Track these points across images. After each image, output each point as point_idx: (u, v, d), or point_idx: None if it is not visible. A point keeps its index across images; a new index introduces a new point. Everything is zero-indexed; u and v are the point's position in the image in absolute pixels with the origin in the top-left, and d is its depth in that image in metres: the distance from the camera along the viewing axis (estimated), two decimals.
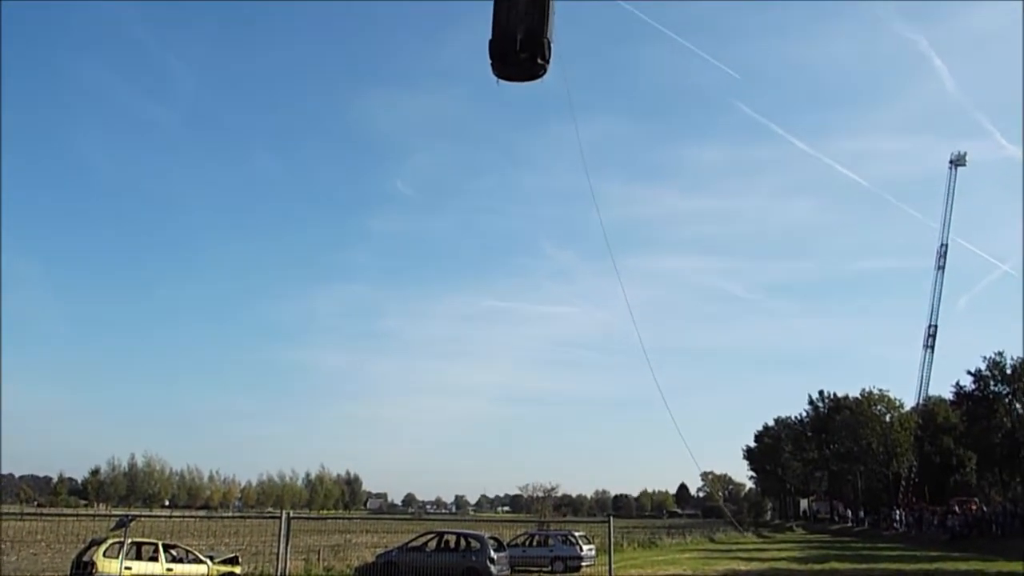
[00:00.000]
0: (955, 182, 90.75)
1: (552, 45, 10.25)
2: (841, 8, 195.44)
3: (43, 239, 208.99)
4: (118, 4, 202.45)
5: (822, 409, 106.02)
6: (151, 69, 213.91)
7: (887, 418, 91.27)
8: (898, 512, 77.67)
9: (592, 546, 34.27)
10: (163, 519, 42.83)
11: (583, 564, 32.49)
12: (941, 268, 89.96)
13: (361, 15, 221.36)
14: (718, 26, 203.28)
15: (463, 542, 27.87)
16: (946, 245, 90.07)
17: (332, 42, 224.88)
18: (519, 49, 10.16)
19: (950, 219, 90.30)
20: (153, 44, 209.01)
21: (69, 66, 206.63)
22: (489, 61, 10.48)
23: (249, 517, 60.06)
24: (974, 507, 66.58)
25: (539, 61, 10.33)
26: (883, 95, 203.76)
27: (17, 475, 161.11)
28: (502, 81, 10.51)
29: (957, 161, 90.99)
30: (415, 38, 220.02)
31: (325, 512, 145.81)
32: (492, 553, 26.64)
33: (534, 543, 34.39)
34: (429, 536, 29.03)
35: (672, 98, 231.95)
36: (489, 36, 10.28)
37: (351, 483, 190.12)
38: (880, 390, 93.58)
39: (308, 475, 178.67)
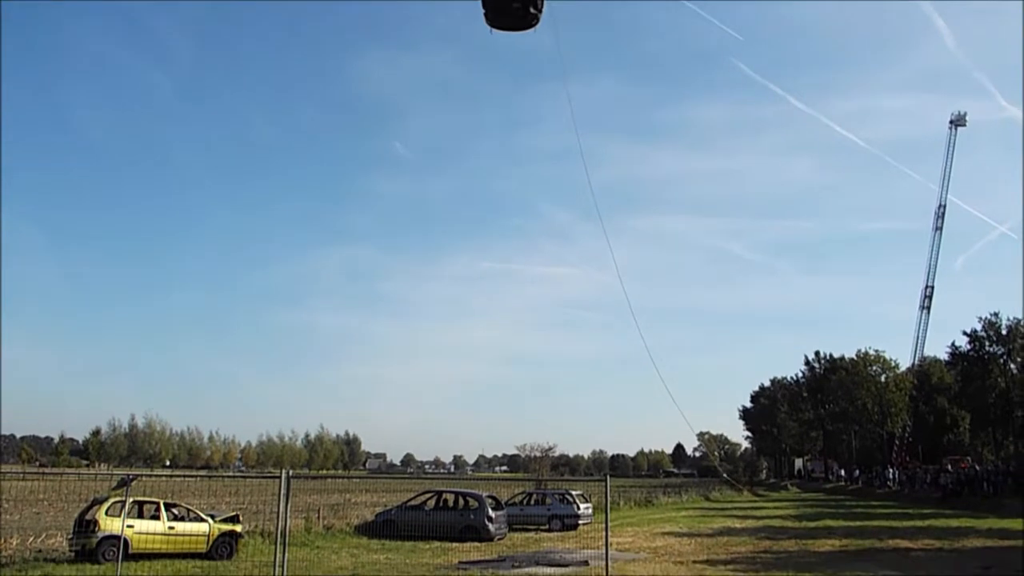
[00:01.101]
0: (955, 142, 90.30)
1: None
2: None
3: (43, 205, 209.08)
4: None
5: (818, 370, 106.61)
6: (147, 36, 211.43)
7: (882, 378, 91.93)
8: (892, 470, 78.55)
9: (589, 505, 34.71)
10: (164, 478, 43.30)
11: (580, 522, 32.88)
12: (939, 229, 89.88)
13: None
14: None
15: (461, 501, 28.20)
16: (944, 206, 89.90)
17: (328, 5, 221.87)
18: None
19: (949, 180, 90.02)
20: (149, 11, 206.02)
21: (66, 32, 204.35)
22: (483, 11, 10.44)
23: (249, 476, 60.68)
24: (966, 465, 67.33)
25: (531, 10, 10.29)
26: (884, 55, 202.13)
27: (19, 436, 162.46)
28: (495, 31, 10.46)
29: (957, 121, 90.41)
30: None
31: (325, 471, 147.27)
32: (490, 512, 26.97)
33: (532, 502, 34.80)
34: (428, 495, 29.36)
35: (673, 58, 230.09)
36: None
37: (350, 443, 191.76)
38: (876, 351, 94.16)
39: (308, 435, 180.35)
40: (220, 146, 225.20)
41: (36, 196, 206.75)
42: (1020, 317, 74.47)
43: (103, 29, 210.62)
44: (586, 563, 20.37)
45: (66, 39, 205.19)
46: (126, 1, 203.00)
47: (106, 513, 18.88)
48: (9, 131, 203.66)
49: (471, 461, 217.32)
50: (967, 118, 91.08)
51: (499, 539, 26.64)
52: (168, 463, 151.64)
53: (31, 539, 21.03)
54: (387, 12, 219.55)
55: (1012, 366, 75.79)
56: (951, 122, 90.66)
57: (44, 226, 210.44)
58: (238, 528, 21.34)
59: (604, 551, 15.90)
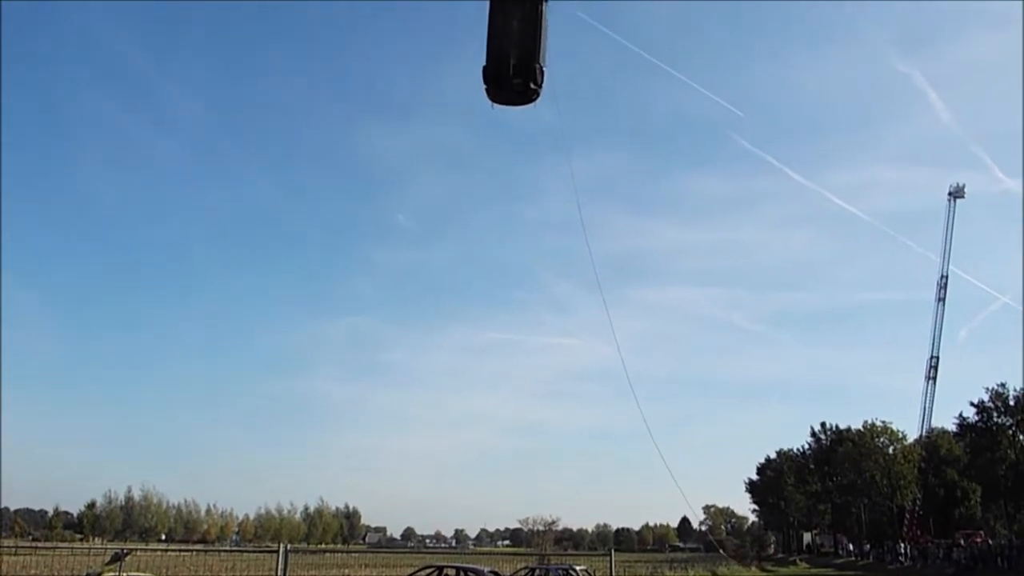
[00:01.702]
0: (954, 214, 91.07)
1: (545, 70, 10.46)
2: (837, 41, 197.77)
3: (41, 270, 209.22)
4: (120, 37, 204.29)
5: (824, 441, 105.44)
6: (154, 99, 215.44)
7: (890, 450, 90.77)
8: (903, 545, 76.90)
9: None
10: (159, 553, 42.38)
11: None
12: (942, 300, 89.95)
13: (358, 48, 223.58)
14: (715, 60, 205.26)
15: None
16: (946, 277, 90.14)
17: (331, 75, 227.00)
18: (512, 75, 10.37)
19: (950, 251, 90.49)
20: (156, 76, 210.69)
21: (73, 98, 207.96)
22: (484, 86, 10.67)
23: (246, 551, 59.49)
24: (979, 540, 65.97)
25: (531, 86, 10.54)
26: (880, 127, 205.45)
27: (12, 509, 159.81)
28: (497, 105, 10.69)
29: (956, 193, 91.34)
30: (412, 70, 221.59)
31: (324, 546, 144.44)
32: None
33: None
34: (428, 570, 28.65)
35: (671, 130, 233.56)
36: (483, 62, 10.48)
37: (350, 517, 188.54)
38: (883, 422, 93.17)
39: (307, 508, 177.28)
40: (223, 212, 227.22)
41: (34, 262, 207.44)
42: None
43: (109, 93, 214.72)
44: None
45: (73, 103, 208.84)
46: (132, 67, 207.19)
47: None
48: (9, 194, 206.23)
49: (473, 535, 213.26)
50: (965, 189, 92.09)
51: None
52: (164, 537, 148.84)
53: None
54: (393, 81, 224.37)
55: (1021, 437, 74.94)
56: (950, 194, 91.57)
57: (42, 292, 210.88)
58: None
59: None
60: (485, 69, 10.50)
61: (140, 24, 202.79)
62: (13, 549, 54.49)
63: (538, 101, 10.72)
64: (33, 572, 35.24)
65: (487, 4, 10.91)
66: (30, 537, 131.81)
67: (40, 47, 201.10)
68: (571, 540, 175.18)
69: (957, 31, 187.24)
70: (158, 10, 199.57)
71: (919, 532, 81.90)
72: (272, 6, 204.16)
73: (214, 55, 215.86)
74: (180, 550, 55.51)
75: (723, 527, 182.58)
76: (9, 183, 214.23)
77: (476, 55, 10.57)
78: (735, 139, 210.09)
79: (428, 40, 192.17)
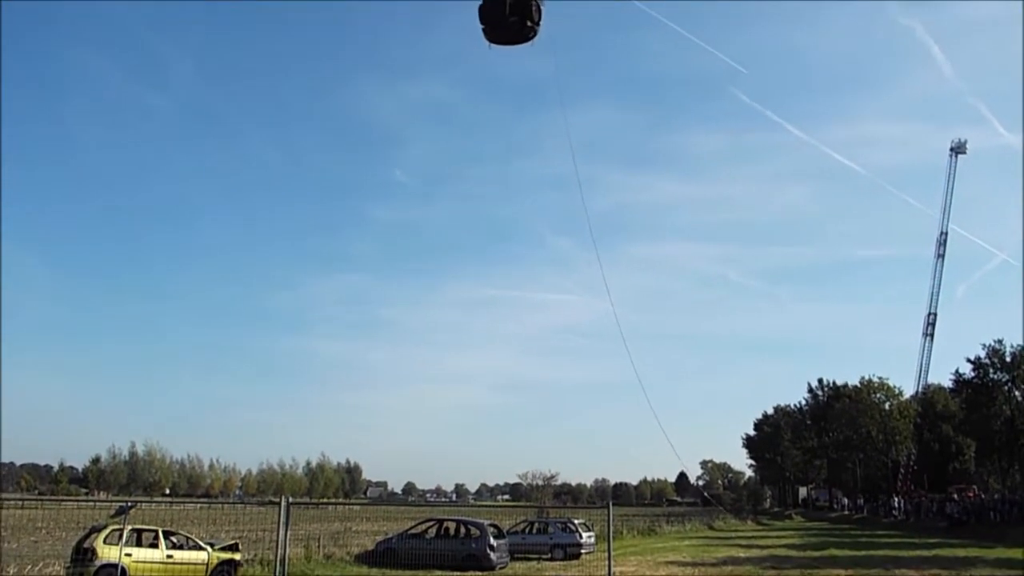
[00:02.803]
0: (955, 170, 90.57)
1: (542, 8, 10.33)
2: None
3: (41, 230, 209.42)
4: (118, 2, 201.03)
5: (821, 397, 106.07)
6: (149, 60, 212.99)
7: (886, 406, 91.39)
8: (897, 499, 77.84)
9: (592, 533, 34.39)
10: (163, 506, 43.00)
11: (582, 551, 32.60)
12: (941, 256, 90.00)
13: (355, 6, 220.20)
14: (715, 12, 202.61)
15: (463, 529, 27.96)
16: (946, 233, 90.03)
17: (328, 32, 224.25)
18: (508, 12, 10.24)
19: (950, 207, 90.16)
20: (151, 36, 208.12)
21: (68, 57, 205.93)
22: (480, 27, 10.55)
23: (249, 504, 60.23)
24: (972, 495, 66.78)
25: (528, 24, 10.41)
26: (880, 82, 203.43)
27: (18, 463, 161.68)
28: (494, 45, 10.59)
29: (957, 149, 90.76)
30: (409, 28, 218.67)
31: (325, 499, 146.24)
32: (492, 540, 26.73)
33: (534, 530, 34.50)
34: (429, 523, 29.11)
35: (669, 85, 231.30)
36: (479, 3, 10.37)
37: (351, 471, 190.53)
38: (879, 378, 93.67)
39: (308, 463, 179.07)
40: (221, 171, 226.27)
41: (33, 222, 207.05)
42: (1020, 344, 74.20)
43: (104, 52, 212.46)
44: None
45: (68, 62, 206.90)
46: (128, 26, 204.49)
47: (104, 541, 18.72)
48: (8, 152, 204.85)
49: (473, 489, 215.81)
50: (967, 145, 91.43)
51: (501, 568, 26.40)
52: (168, 491, 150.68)
53: (28, 567, 20.84)
54: (388, 38, 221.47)
55: (1017, 393, 75.30)
56: (951, 149, 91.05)
57: (42, 252, 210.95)
58: (237, 556, 21.15)
59: None
60: (481, 9, 10.37)
61: None
62: (20, 503, 55.26)
63: (535, 40, 10.58)
64: (40, 525, 35.75)
65: None
66: (36, 491, 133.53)
67: (38, 9, 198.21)
68: (570, 494, 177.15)
69: None
70: None
71: (913, 487, 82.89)
72: None
73: (210, 16, 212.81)
74: (184, 502, 56.25)
75: (720, 482, 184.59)
76: (11, 147, 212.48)
77: (472, 10, 10.44)
78: (734, 94, 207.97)
79: None
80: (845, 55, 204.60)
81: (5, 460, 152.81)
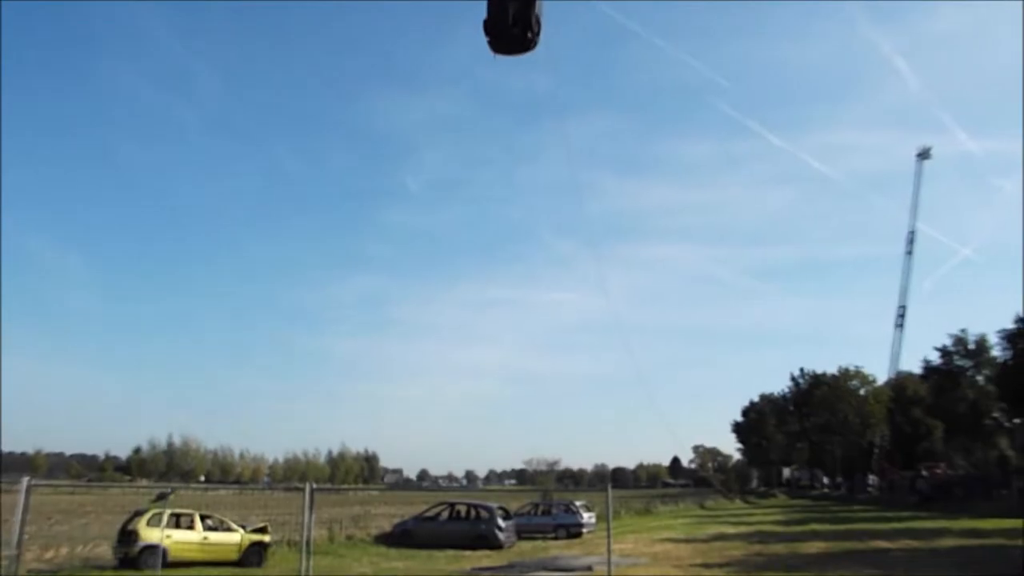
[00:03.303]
0: (921, 174, 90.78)
1: (541, 21, 10.71)
2: (815, 10, 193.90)
3: (83, 234, 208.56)
4: (145, 9, 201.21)
5: (803, 385, 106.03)
6: (178, 72, 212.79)
7: (862, 392, 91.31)
8: (872, 478, 77.71)
9: (592, 514, 34.45)
10: (199, 492, 43.12)
11: (584, 531, 32.67)
12: (909, 253, 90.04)
13: (370, 25, 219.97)
14: (701, 26, 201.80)
15: (473, 512, 28.04)
16: (913, 232, 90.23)
17: (344, 49, 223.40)
18: (511, 24, 10.62)
19: (917, 208, 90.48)
20: (180, 51, 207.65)
21: (101, 72, 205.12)
22: (486, 38, 10.93)
23: (276, 489, 60.38)
24: (941, 472, 66.65)
25: (528, 35, 10.78)
26: (854, 93, 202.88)
27: (67, 453, 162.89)
28: (499, 56, 10.96)
29: (923, 154, 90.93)
30: (420, 45, 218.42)
31: (346, 485, 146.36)
32: (500, 521, 26.81)
33: (538, 512, 34.54)
34: (442, 507, 29.18)
35: (659, 95, 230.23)
36: (484, 21, 10.77)
37: (369, 460, 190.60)
38: (856, 367, 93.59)
39: (330, 452, 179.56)
40: (247, 178, 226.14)
41: (76, 226, 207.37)
42: (984, 333, 74.25)
43: (135, 67, 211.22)
44: (590, 568, 20.20)
45: (101, 76, 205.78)
46: (158, 42, 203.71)
47: (146, 524, 18.86)
48: (52, 161, 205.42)
49: (482, 475, 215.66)
50: (932, 151, 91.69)
51: (508, 547, 26.45)
52: (203, 478, 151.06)
53: (79, 548, 21.00)
54: (401, 55, 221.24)
55: (979, 378, 75.32)
56: (918, 155, 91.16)
57: (85, 255, 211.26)
58: (266, 538, 21.26)
59: (607, 556, 15.82)
60: (486, 23, 10.79)
61: (169, 6, 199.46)
62: (71, 489, 55.61)
63: (535, 49, 10.96)
64: (88, 510, 35.93)
65: None
66: (85, 479, 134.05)
67: (79, 31, 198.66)
68: (572, 479, 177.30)
69: (926, 6, 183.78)
70: None
71: (887, 465, 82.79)
72: None
73: (236, 34, 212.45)
74: (217, 488, 56.38)
75: (710, 465, 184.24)
76: (51, 152, 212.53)
77: (477, 27, 10.75)
78: (719, 106, 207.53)
79: (435, 17, 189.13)
80: (821, 68, 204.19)
81: (55, 450, 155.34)
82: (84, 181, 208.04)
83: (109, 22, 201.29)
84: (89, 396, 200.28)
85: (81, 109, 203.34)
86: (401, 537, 26.72)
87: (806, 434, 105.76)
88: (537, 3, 10.92)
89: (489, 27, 10.82)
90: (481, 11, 11.38)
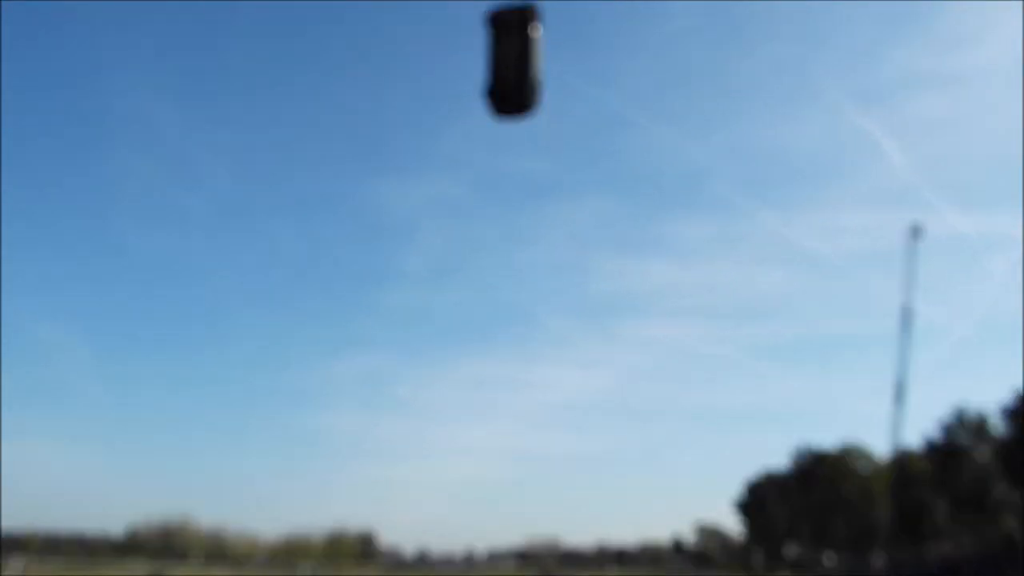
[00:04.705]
0: (914, 252, 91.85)
1: (541, 86, 11.08)
2: (805, 98, 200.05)
3: (91, 322, 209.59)
4: (157, 107, 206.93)
5: (804, 463, 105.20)
6: (185, 163, 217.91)
7: (863, 469, 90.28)
8: (877, 557, 76.00)
9: None
10: (194, 574, 42.09)
11: None
12: (905, 330, 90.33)
13: (370, 110, 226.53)
14: (697, 112, 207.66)
15: None
16: (908, 309, 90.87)
17: (345, 136, 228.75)
18: (512, 90, 11.01)
19: (910, 286, 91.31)
20: (189, 143, 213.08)
21: (111, 161, 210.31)
22: (487, 104, 11.32)
23: (273, 575, 58.97)
24: (948, 551, 65.28)
25: (529, 95, 11.22)
26: (844, 174, 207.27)
27: (62, 532, 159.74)
28: (501, 118, 11.30)
29: (915, 233, 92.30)
30: (419, 129, 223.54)
31: (342, 567, 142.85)
32: None
33: None
34: None
35: (657, 178, 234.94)
36: (485, 93, 11.20)
37: (367, 538, 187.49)
38: (856, 445, 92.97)
39: (327, 531, 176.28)
40: (250, 263, 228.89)
41: (75, 304, 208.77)
42: (984, 413, 74.02)
43: (145, 157, 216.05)
44: None
45: (111, 165, 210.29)
46: (166, 133, 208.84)
47: None
48: (54, 240, 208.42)
49: (481, 553, 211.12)
50: (923, 230, 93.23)
51: None
52: (197, 558, 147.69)
53: None
54: (400, 141, 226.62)
55: (981, 454, 74.64)
56: (909, 234, 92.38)
57: (90, 340, 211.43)
58: None
59: None
60: (487, 90, 11.16)
61: (173, 94, 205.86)
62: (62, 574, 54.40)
63: (535, 112, 11.34)
64: None
65: (486, 39, 11.57)
66: (81, 558, 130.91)
67: (90, 116, 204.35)
68: (572, 559, 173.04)
69: (912, 91, 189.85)
70: (189, 80, 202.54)
71: (891, 544, 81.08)
72: (289, 78, 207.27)
73: (238, 122, 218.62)
74: (212, 572, 55.04)
75: (712, 543, 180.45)
76: (60, 239, 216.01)
77: (477, 113, 11.20)
78: (714, 187, 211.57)
79: (434, 101, 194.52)
80: (814, 151, 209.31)
81: (49, 526, 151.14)
82: (82, 255, 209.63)
83: (121, 110, 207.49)
84: (86, 475, 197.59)
85: (88, 192, 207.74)
86: None
87: (809, 511, 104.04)
88: (536, 68, 11.31)
89: (491, 93, 11.20)
90: (478, 87, 11.87)
